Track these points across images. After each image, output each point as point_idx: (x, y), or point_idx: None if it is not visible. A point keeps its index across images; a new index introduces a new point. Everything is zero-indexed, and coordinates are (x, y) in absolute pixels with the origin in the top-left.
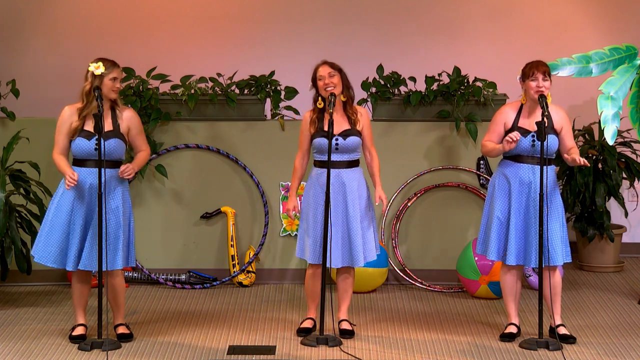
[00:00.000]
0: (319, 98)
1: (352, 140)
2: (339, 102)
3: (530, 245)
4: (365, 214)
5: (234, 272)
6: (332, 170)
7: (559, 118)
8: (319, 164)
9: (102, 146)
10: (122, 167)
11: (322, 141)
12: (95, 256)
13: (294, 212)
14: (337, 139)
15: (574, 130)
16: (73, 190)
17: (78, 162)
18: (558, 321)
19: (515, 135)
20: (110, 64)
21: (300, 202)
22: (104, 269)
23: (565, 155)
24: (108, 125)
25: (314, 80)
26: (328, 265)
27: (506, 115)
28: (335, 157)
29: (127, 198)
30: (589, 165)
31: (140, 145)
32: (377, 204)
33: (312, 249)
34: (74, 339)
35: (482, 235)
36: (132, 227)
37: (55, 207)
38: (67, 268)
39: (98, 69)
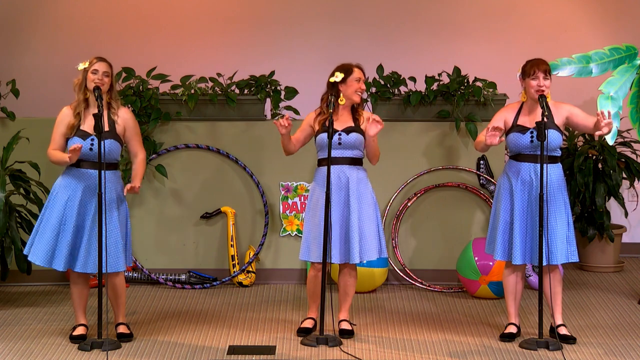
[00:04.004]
0: (340, 95)
1: (354, 136)
2: (349, 102)
3: (535, 244)
4: (365, 213)
5: (234, 272)
6: (335, 167)
7: (563, 111)
8: (321, 162)
9: (102, 147)
10: (128, 187)
11: (323, 136)
12: (92, 259)
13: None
14: (340, 134)
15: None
16: (67, 191)
17: (74, 163)
18: (559, 321)
19: (495, 127)
20: (95, 58)
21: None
22: (108, 270)
23: (597, 133)
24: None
25: (345, 79)
26: (328, 261)
27: (506, 113)
28: (337, 153)
29: (123, 197)
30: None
31: (135, 147)
32: (370, 121)
33: (317, 247)
34: (74, 339)
35: (489, 236)
36: (129, 226)
37: (49, 207)
38: (56, 267)
39: (84, 65)
